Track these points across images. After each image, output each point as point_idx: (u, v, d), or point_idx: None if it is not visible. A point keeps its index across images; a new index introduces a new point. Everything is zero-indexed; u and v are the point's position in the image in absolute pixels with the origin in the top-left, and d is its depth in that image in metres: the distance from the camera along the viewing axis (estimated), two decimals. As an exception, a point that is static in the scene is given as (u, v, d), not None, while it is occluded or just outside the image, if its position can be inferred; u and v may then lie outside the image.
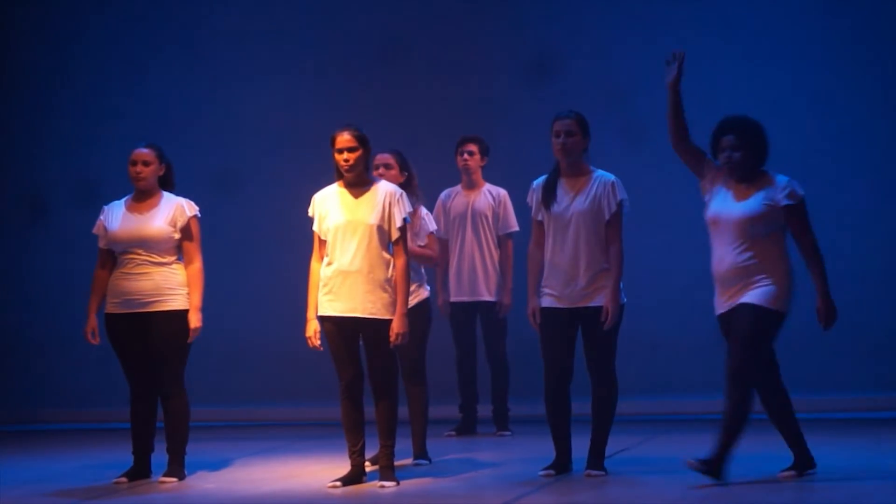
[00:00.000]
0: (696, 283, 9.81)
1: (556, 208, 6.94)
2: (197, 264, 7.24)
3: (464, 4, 10.40)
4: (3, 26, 10.63)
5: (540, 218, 7.03)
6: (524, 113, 9.85)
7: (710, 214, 6.76)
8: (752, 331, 6.58)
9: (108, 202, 7.36)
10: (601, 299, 6.87)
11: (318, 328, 6.90)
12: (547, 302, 6.96)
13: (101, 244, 7.28)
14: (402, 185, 7.31)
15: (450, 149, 9.23)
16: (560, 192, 6.98)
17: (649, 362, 9.86)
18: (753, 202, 6.66)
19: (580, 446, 7.01)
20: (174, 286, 7.19)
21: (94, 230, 7.31)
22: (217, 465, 7.77)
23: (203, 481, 7.22)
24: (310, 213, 7.02)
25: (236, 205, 10.31)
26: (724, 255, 6.67)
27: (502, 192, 9.15)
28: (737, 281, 6.64)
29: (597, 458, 6.97)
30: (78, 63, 10.67)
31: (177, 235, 7.22)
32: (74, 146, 10.63)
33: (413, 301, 7.40)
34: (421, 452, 7.64)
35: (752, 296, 6.60)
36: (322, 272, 6.91)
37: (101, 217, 7.31)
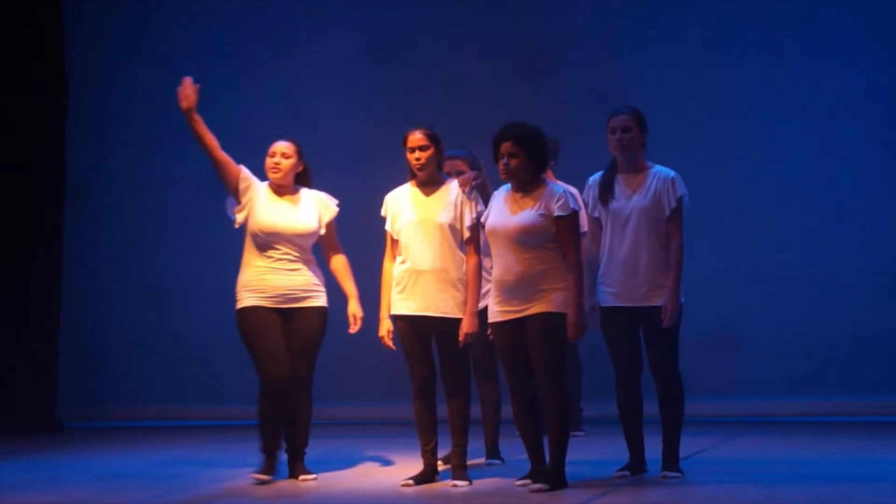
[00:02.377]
0: (780, 281, 9.80)
1: (614, 204, 6.87)
2: (343, 254, 7.29)
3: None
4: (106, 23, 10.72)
5: (597, 214, 6.96)
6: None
7: (488, 227, 6.68)
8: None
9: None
10: (660, 299, 6.77)
11: (391, 327, 6.89)
12: (607, 301, 6.87)
13: (239, 213, 7.10)
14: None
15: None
16: (618, 188, 6.90)
17: (728, 363, 9.76)
18: (530, 213, 6.57)
19: (655, 447, 6.94)
20: (319, 283, 7.16)
21: (241, 183, 7.09)
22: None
23: (275, 479, 7.20)
24: (382, 213, 7.01)
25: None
26: (510, 265, 6.56)
27: (573, 190, 9.05)
28: (524, 290, 6.54)
29: (671, 460, 6.88)
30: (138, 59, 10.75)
31: (322, 231, 7.17)
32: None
33: (486, 301, 7.34)
34: (493, 452, 7.60)
35: (547, 303, 6.51)
36: (394, 271, 6.90)
37: (249, 178, 7.13)
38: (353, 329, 7.22)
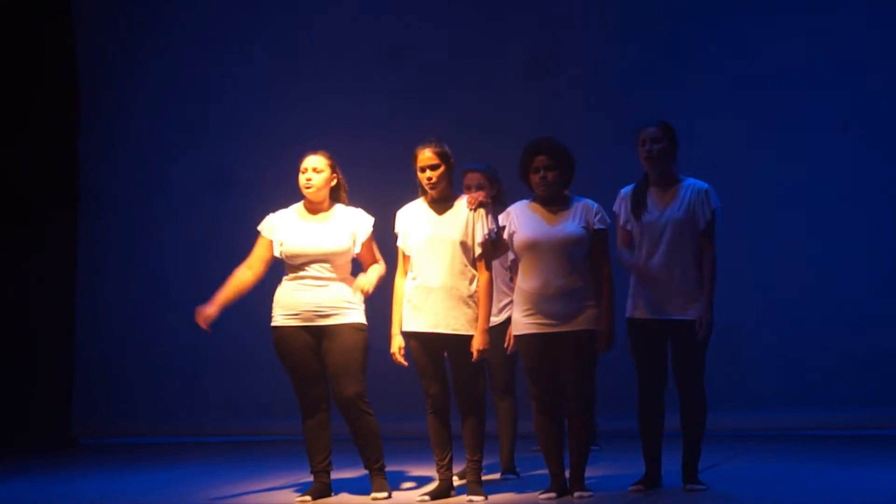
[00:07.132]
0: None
1: (647, 217, 6.86)
2: (383, 263, 7.07)
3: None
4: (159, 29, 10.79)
5: (629, 227, 6.96)
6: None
7: (525, 239, 6.74)
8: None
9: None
10: (693, 312, 6.77)
11: (403, 344, 6.89)
12: (639, 313, 6.88)
13: (276, 255, 6.98)
14: (492, 199, 7.23)
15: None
16: (650, 201, 6.89)
17: (740, 376, 9.75)
18: (572, 225, 6.73)
19: (669, 462, 6.94)
20: (353, 300, 6.95)
21: (259, 246, 7.02)
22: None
23: (290, 497, 7.20)
24: (395, 230, 7.00)
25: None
26: (551, 278, 6.66)
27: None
28: (562, 305, 6.67)
29: (693, 473, 6.90)
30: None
31: (356, 250, 7.01)
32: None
33: (503, 316, 7.34)
34: (509, 467, 7.59)
35: (584, 321, 6.69)
36: (406, 287, 6.90)
37: (271, 228, 7.00)
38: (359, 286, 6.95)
